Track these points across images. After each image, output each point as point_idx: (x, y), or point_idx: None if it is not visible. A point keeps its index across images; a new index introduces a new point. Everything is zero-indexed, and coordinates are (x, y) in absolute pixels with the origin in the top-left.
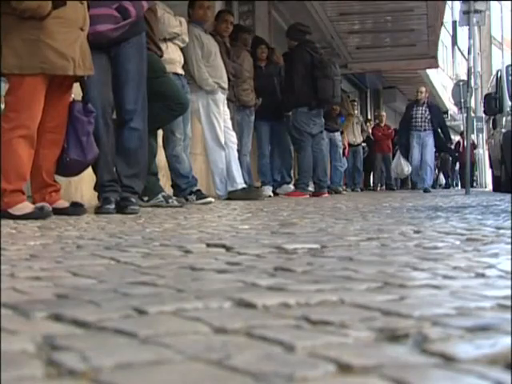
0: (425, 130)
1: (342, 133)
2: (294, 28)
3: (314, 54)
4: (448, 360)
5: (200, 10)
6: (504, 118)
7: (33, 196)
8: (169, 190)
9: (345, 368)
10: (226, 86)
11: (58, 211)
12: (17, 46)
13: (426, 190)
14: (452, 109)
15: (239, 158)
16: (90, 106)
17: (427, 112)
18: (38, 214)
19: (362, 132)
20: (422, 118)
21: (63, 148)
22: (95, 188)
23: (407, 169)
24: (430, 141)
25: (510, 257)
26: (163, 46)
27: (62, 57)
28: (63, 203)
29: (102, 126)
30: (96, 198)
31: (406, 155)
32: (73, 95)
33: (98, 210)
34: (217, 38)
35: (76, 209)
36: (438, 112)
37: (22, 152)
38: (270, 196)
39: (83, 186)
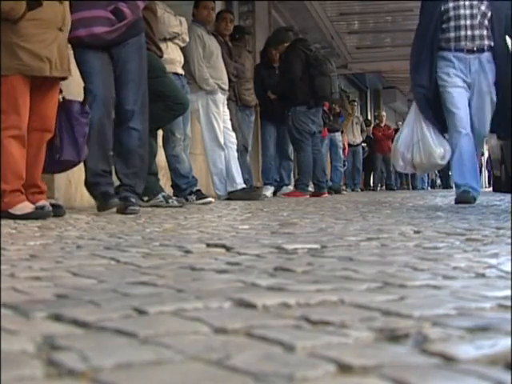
0: (480, 48)
1: (341, 132)
2: (276, 33)
3: (307, 51)
4: (448, 360)
5: (204, 10)
6: None
7: None
8: (169, 190)
9: (345, 368)
10: (226, 87)
11: None
12: None
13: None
14: None
15: (239, 158)
16: (87, 107)
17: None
18: (38, 214)
19: (361, 132)
20: (469, 17)
21: (55, 147)
22: (86, 183)
23: (440, 151)
24: (490, 74)
25: (510, 257)
26: (163, 45)
27: (37, 58)
28: (43, 204)
29: (104, 116)
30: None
31: (435, 115)
32: (61, 96)
33: (103, 207)
34: (219, 39)
35: (55, 210)
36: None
37: (15, 152)
38: (267, 197)
39: (83, 186)
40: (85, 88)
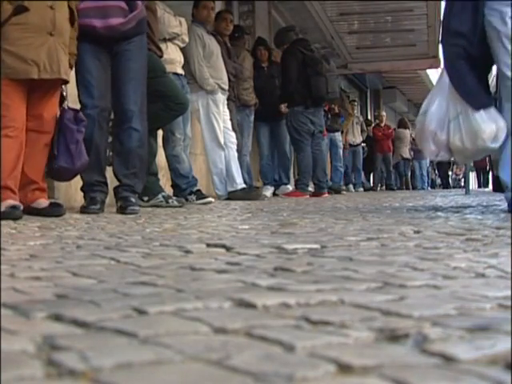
0: None
1: (342, 132)
2: (278, 34)
3: (305, 52)
4: (448, 360)
5: (204, 10)
6: None
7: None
8: (169, 190)
9: (345, 368)
10: (226, 87)
11: (37, 211)
12: None
13: None
14: None
15: (239, 158)
16: (81, 114)
17: None
18: (6, 214)
19: (361, 132)
20: None
21: (53, 155)
22: (82, 188)
23: (491, 130)
24: None
25: (510, 257)
26: (163, 46)
27: (22, 61)
28: (43, 202)
29: (97, 126)
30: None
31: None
32: (66, 103)
33: (84, 210)
34: (218, 39)
35: (55, 209)
36: None
37: (9, 150)
38: (267, 197)
39: None
40: (80, 100)
